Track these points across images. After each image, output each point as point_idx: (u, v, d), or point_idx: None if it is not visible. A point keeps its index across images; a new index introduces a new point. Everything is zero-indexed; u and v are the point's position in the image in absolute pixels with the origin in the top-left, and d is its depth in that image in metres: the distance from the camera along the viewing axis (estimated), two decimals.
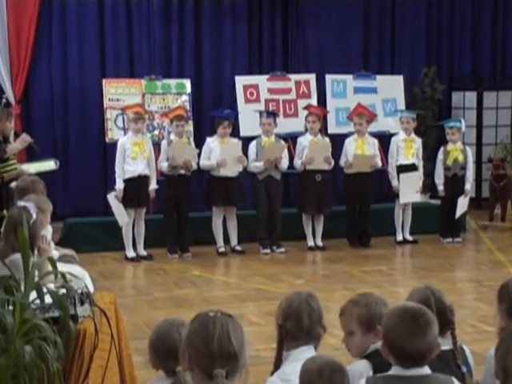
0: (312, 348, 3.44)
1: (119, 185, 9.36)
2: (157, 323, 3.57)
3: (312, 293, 3.60)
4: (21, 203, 4.83)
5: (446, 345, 3.33)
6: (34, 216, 4.67)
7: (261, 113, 10.05)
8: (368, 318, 3.45)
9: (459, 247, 10.33)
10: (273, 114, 10.03)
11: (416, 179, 10.23)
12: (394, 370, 2.93)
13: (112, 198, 9.35)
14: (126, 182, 9.36)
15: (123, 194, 9.33)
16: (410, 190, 10.17)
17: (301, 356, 3.38)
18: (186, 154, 9.52)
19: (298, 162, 10.01)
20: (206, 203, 10.00)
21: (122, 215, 9.32)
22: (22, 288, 3.75)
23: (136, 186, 9.40)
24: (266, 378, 3.43)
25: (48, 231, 5.65)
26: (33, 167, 8.24)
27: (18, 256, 4.18)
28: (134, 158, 9.35)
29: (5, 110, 8.62)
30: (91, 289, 4.34)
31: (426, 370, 2.93)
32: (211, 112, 10.55)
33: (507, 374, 2.63)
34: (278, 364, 3.48)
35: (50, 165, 8.62)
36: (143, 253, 9.55)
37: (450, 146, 10.38)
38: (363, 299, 3.53)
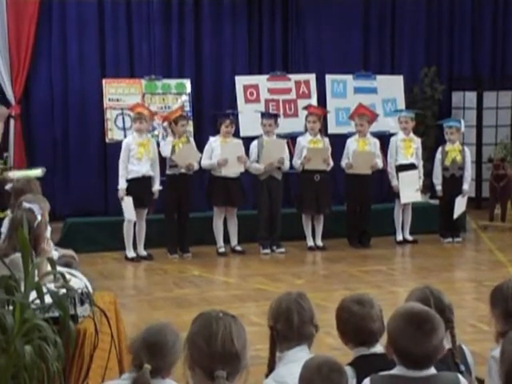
0: (306, 348, 3.42)
1: (122, 184, 9.36)
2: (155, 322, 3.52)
3: (302, 292, 3.59)
4: (26, 205, 4.84)
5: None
6: (39, 218, 4.68)
7: (262, 114, 10.06)
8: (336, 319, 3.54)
9: (459, 247, 10.32)
10: (274, 116, 10.04)
11: (415, 178, 10.22)
12: (399, 370, 2.92)
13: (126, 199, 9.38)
14: (130, 182, 9.36)
15: (126, 193, 9.36)
16: (410, 189, 10.17)
17: (295, 357, 3.37)
18: (190, 159, 9.51)
19: (297, 162, 10.01)
20: (206, 203, 10.01)
21: (130, 212, 9.32)
22: (22, 288, 3.75)
23: (140, 187, 9.39)
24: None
25: (47, 231, 5.67)
26: (19, 174, 8.19)
27: (17, 255, 4.20)
28: (139, 158, 9.34)
29: None
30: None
31: (431, 370, 2.93)
32: (213, 111, 10.59)
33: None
34: (271, 366, 3.47)
35: (36, 172, 8.56)
36: (143, 253, 9.55)
37: (448, 146, 10.39)
38: (350, 304, 3.52)
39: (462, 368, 3.30)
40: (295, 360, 3.35)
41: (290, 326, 3.42)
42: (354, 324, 3.45)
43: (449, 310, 3.44)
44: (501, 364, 2.75)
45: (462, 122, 10.77)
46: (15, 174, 8.08)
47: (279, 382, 3.30)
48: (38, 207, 4.81)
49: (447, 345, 3.32)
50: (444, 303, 3.45)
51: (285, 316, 3.44)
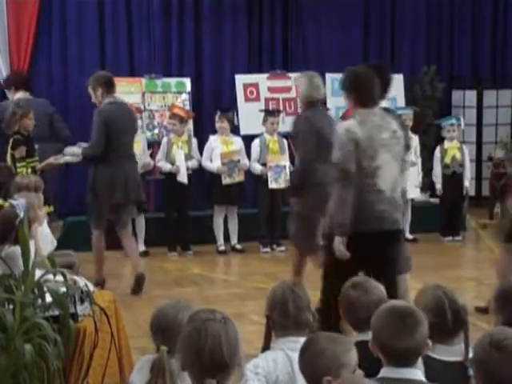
0: (299, 340, 3.35)
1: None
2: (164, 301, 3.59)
3: (297, 280, 3.60)
4: (11, 201, 4.88)
5: (457, 355, 3.28)
6: (22, 215, 4.68)
7: (268, 111, 10.08)
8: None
9: (459, 246, 10.33)
10: (278, 113, 10.15)
11: (414, 174, 10.24)
12: (386, 372, 2.91)
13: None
14: None
15: None
16: (409, 186, 10.18)
17: (283, 345, 3.37)
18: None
19: None
20: (207, 202, 10.02)
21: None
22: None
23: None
24: None
25: (43, 225, 5.71)
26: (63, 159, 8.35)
27: (13, 249, 4.23)
28: None
29: (22, 106, 8.59)
30: None
31: (419, 375, 2.91)
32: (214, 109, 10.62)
33: None
34: None
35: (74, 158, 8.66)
36: (142, 248, 9.61)
37: (447, 144, 10.42)
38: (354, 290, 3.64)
39: (470, 372, 3.16)
40: (279, 349, 3.36)
41: (285, 314, 3.44)
42: (344, 307, 3.63)
43: (464, 310, 3.38)
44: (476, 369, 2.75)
45: (462, 118, 10.82)
46: (65, 159, 8.27)
47: (253, 372, 3.30)
48: (24, 204, 4.82)
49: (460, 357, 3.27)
50: (459, 304, 3.38)
51: (280, 305, 3.46)
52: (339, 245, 5.13)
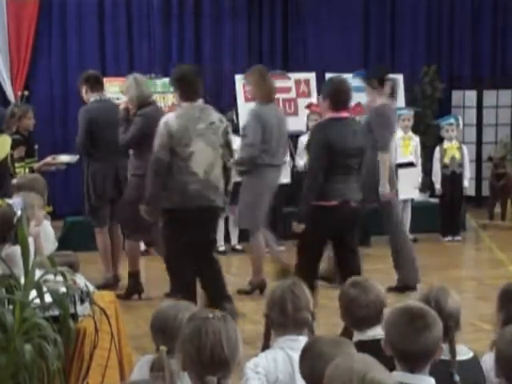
0: (298, 338, 3.39)
1: None
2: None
3: (297, 280, 3.60)
4: (7, 200, 4.88)
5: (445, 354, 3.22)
6: (19, 213, 4.67)
7: None
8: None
9: (459, 246, 10.33)
10: None
11: (415, 175, 10.26)
12: (397, 376, 2.83)
13: None
14: None
15: None
16: (408, 186, 10.18)
17: (283, 344, 3.38)
18: None
19: (300, 162, 10.02)
20: None
21: None
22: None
23: None
24: None
25: (46, 225, 5.70)
26: (63, 158, 8.45)
27: (13, 248, 4.23)
28: None
29: (21, 106, 8.61)
30: None
31: (430, 381, 2.86)
32: None
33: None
34: None
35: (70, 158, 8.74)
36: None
37: (446, 144, 10.43)
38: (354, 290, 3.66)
39: (457, 378, 3.14)
40: (279, 347, 3.36)
41: (284, 314, 3.43)
42: (343, 306, 3.61)
43: (449, 316, 3.30)
44: (496, 363, 2.74)
45: (460, 118, 10.84)
46: (62, 158, 8.47)
47: (253, 371, 3.30)
48: (21, 202, 4.81)
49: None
50: (445, 310, 3.30)
51: (278, 304, 3.46)
52: (143, 211, 6.27)
